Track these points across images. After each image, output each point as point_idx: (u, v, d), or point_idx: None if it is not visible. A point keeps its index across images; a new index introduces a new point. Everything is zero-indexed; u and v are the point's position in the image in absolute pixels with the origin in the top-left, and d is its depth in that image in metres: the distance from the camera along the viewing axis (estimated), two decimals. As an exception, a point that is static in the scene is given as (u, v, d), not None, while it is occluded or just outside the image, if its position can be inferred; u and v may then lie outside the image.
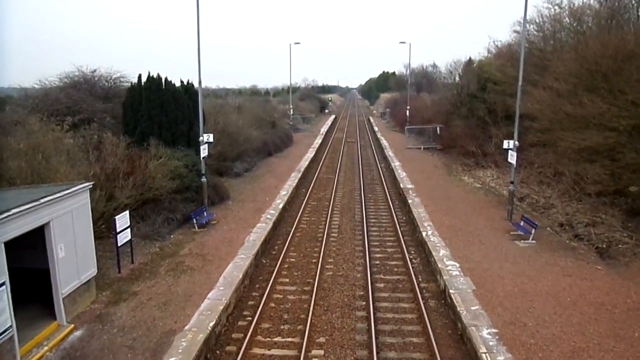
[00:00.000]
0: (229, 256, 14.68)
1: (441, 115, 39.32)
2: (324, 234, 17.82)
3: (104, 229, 14.67)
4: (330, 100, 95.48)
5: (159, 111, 20.51)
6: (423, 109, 46.92)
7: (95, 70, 24.84)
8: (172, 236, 16.77)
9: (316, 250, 16.31)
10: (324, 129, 56.50)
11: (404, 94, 62.21)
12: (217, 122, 27.71)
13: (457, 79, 42.83)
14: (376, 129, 57.82)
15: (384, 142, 44.15)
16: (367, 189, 25.95)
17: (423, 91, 63.26)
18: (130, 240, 14.20)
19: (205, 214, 18.76)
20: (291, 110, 54.98)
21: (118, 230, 13.49)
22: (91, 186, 11.88)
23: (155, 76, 20.98)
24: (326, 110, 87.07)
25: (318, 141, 45.04)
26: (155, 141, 18.92)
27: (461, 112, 35.13)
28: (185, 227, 17.83)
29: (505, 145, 18.58)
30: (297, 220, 19.55)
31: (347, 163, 34.94)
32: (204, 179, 19.26)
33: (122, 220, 13.72)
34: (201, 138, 19.10)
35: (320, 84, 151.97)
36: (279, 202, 21.36)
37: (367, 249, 16.10)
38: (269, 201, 21.69)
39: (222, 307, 11.24)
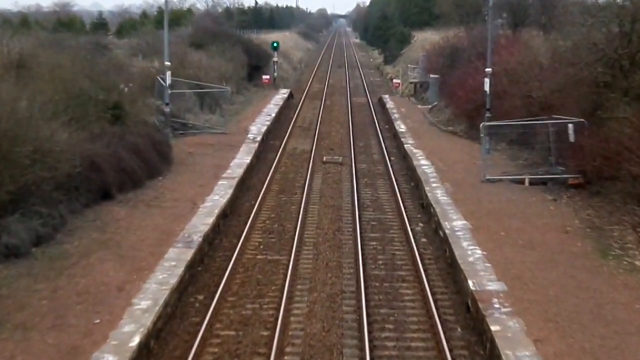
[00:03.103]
0: None
1: (577, 92, 38.11)
2: None
3: None
4: (276, 47, 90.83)
5: None
6: (527, 75, 45.57)
7: None
8: None
9: None
10: (257, 129, 53.81)
11: (475, 34, 63.68)
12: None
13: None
14: (402, 128, 55.09)
15: (423, 163, 41.18)
16: (378, 299, 23.83)
17: (527, 26, 64.26)
18: None
19: None
20: (168, 76, 50.81)
21: None
22: None
23: None
24: (265, 77, 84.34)
25: (242, 161, 42.03)
26: None
27: (632, 83, 34.73)
28: None
29: None
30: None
31: (324, 224, 32.16)
32: None
33: None
34: None
35: (250, 6, 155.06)
36: (133, 342, 19.12)
37: None
38: (101, 331, 19.65)
39: None
